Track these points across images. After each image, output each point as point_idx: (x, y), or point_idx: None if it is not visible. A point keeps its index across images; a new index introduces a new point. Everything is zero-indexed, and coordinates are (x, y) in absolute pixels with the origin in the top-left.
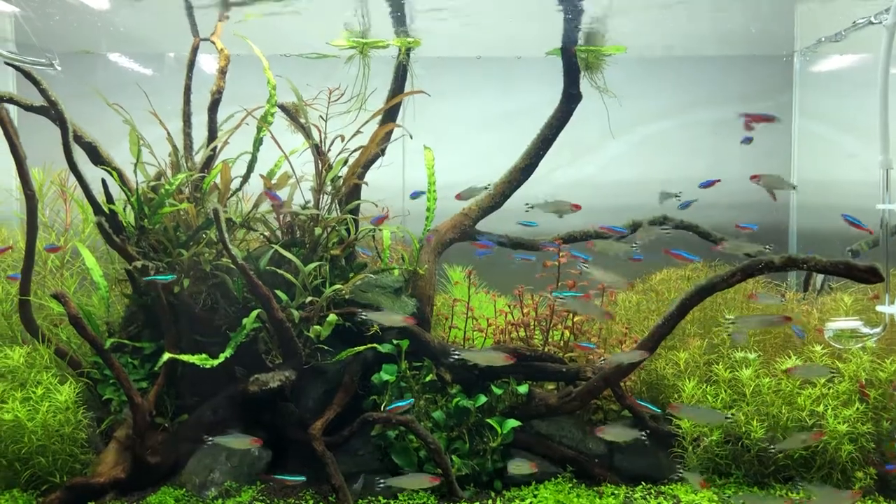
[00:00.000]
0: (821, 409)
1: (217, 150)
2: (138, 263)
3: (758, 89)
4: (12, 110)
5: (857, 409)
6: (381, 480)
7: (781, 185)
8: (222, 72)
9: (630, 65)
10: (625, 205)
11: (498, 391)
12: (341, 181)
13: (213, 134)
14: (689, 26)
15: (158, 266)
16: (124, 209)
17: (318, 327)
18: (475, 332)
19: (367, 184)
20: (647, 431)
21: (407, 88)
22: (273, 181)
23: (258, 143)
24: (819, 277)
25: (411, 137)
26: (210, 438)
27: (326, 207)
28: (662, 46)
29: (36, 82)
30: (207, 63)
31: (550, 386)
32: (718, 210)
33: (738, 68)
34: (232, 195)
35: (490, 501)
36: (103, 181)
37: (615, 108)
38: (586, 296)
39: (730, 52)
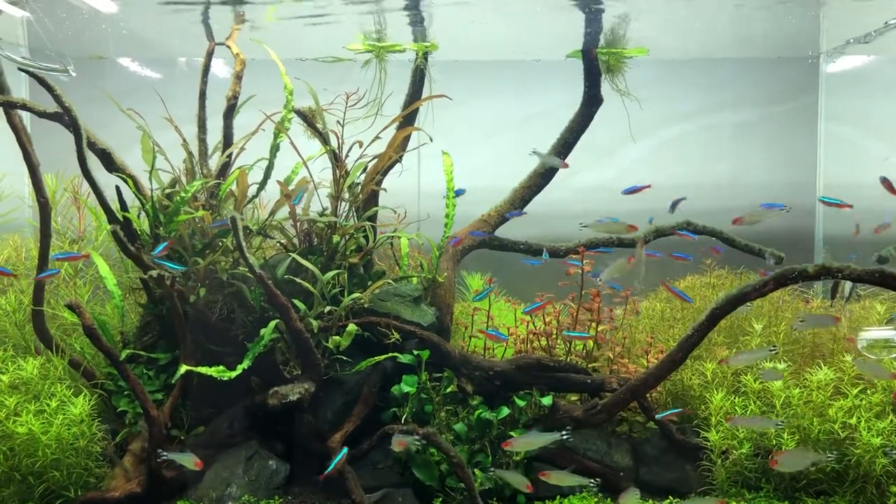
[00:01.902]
0: (853, 421)
1: (233, 157)
2: (154, 272)
3: (782, 91)
4: (25, 116)
5: (892, 421)
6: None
7: (765, 216)
8: (238, 76)
9: (652, 67)
10: (646, 209)
11: (521, 403)
12: (359, 188)
13: (228, 140)
14: (712, 27)
15: (174, 275)
16: (139, 217)
17: (337, 337)
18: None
19: (385, 190)
20: (568, 430)
21: (424, 93)
22: (290, 187)
23: (275, 148)
24: (847, 285)
25: (431, 140)
26: (164, 453)
27: (344, 214)
28: (685, 48)
29: (49, 88)
30: (218, 68)
31: (573, 397)
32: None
33: (762, 70)
34: (248, 202)
35: None
36: (117, 188)
37: (636, 112)
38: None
39: (753, 54)
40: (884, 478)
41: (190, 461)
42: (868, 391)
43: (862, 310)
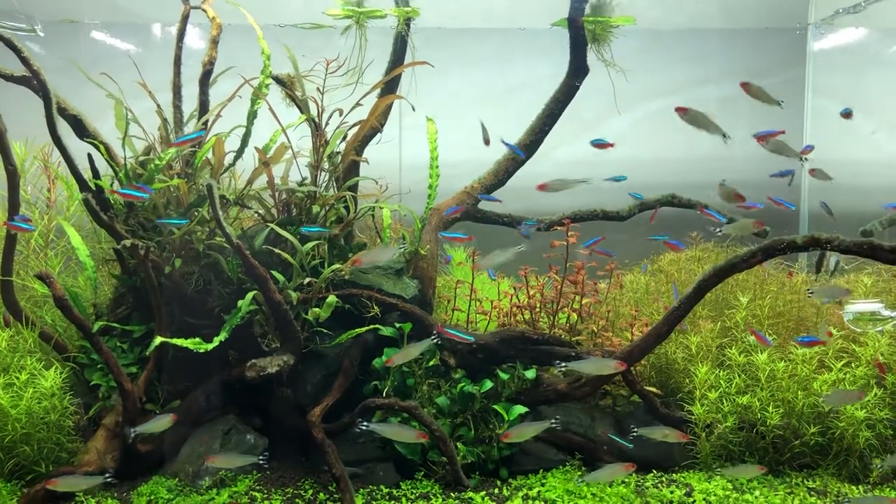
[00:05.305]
0: None
1: (209, 124)
2: (127, 242)
3: (768, 64)
4: None
5: (875, 394)
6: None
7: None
8: (214, 41)
9: (636, 38)
10: (628, 184)
11: (504, 376)
12: (339, 157)
13: (204, 107)
14: None
15: (149, 245)
16: (111, 185)
17: (316, 309)
18: (479, 315)
19: (366, 160)
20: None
21: (406, 61)
22: (269, 155)
23: (252, 115)
24: (832, 258)
25: (413, 109)
26: (133, 430)
27: (324, 185)
28: (671, 17)
29: (17, 50)
30: (194, 40)
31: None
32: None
33: (749, 42)
34: (225, 171)
35: (496, 490)
36: (89, 155)
37: (621, 83)
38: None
39: (740, 25)
40: (867, 451)
41: (164, 422)
42: (852, 365)
43: (847, 283)
